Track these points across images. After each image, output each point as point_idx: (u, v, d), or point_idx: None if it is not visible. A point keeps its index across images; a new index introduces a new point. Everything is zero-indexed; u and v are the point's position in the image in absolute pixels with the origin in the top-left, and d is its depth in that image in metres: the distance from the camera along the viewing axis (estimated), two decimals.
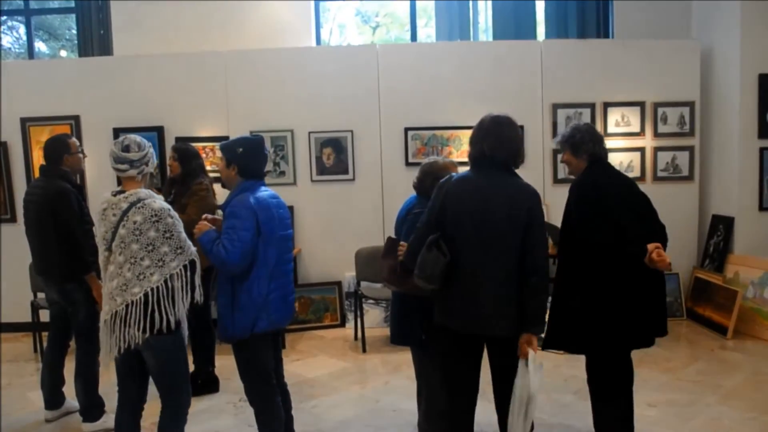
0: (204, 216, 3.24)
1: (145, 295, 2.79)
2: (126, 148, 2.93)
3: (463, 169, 3.09)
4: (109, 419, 4.00)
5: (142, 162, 2.94)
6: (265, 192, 3.21)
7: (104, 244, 2.91)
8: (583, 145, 3.27)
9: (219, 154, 3.26)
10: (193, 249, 2.96)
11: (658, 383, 4.54)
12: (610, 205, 3.14)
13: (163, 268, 2.82)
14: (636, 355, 3.27)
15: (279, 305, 3.19)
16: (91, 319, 4.00)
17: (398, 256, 3.28)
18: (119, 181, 3.04)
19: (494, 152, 2.87)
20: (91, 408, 4.04)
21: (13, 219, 6.31)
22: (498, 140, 2.87)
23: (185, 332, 2.96)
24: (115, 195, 2.93)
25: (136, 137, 2.99)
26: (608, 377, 3.26)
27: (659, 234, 3.18)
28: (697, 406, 4.15)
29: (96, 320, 4.04)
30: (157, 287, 2.81)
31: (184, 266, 2.89)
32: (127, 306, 2.80)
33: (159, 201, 2.91)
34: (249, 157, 3.20)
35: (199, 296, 2.96)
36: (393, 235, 3.59)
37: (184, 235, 2.92)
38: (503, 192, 2.84)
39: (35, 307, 5.55)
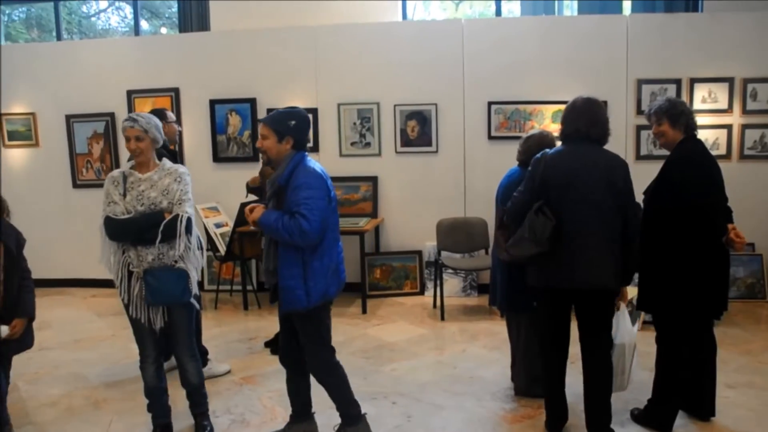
0: (248, 207, 3.14)
1: None
2: None
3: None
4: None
5: None
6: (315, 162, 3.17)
7: None
8: (683, 116, 3.34)
9: (264, 131, 3.08)
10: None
11: (738, 365, 4.47)
12: (715, 176, 3.32)
13: None
14: (716, 335, 3.36)
15: (341, 270, 3.24)
16: None
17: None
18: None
19: (590, 130, 3.17)
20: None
21: None
22: (592, 119, 3.18)
23: None
24: None
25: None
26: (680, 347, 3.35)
27: (729, 213, 3.39)
28: None
29: None
30: None
31: None
32: None
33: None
34: (302, 129, 3.11)
35: None
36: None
37: None
38: (599, 161, 3.14)
39: None
